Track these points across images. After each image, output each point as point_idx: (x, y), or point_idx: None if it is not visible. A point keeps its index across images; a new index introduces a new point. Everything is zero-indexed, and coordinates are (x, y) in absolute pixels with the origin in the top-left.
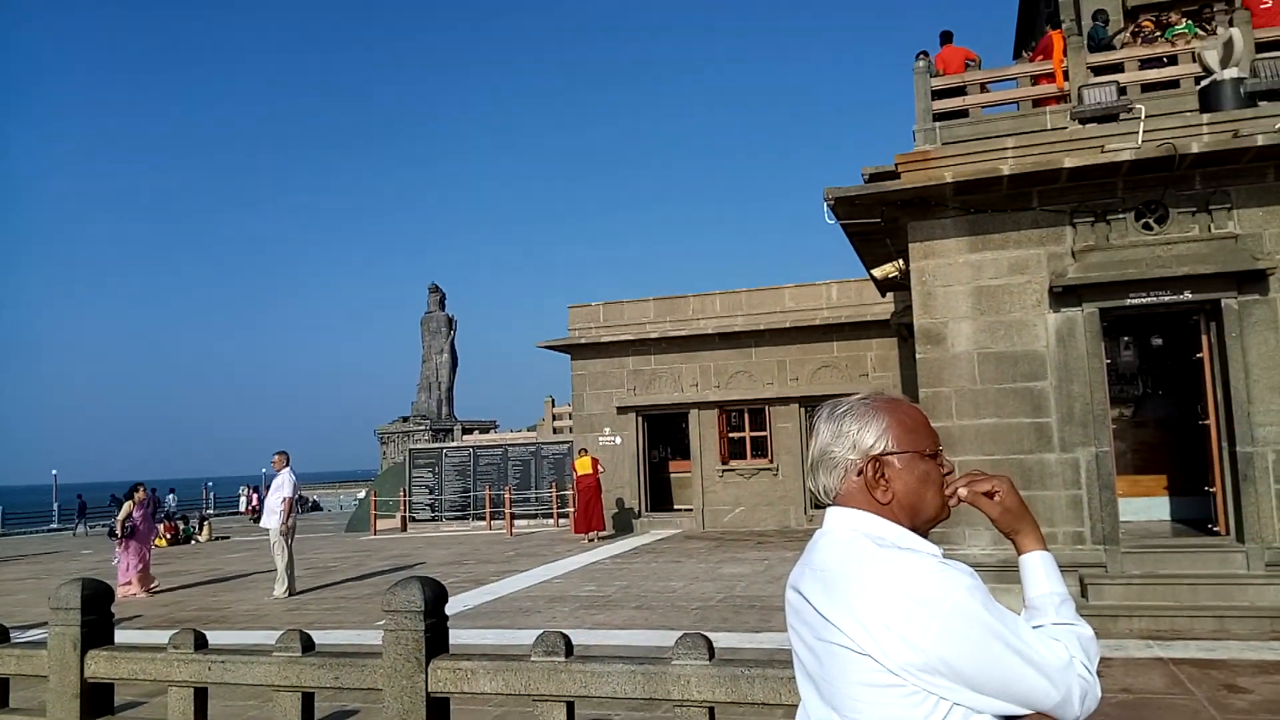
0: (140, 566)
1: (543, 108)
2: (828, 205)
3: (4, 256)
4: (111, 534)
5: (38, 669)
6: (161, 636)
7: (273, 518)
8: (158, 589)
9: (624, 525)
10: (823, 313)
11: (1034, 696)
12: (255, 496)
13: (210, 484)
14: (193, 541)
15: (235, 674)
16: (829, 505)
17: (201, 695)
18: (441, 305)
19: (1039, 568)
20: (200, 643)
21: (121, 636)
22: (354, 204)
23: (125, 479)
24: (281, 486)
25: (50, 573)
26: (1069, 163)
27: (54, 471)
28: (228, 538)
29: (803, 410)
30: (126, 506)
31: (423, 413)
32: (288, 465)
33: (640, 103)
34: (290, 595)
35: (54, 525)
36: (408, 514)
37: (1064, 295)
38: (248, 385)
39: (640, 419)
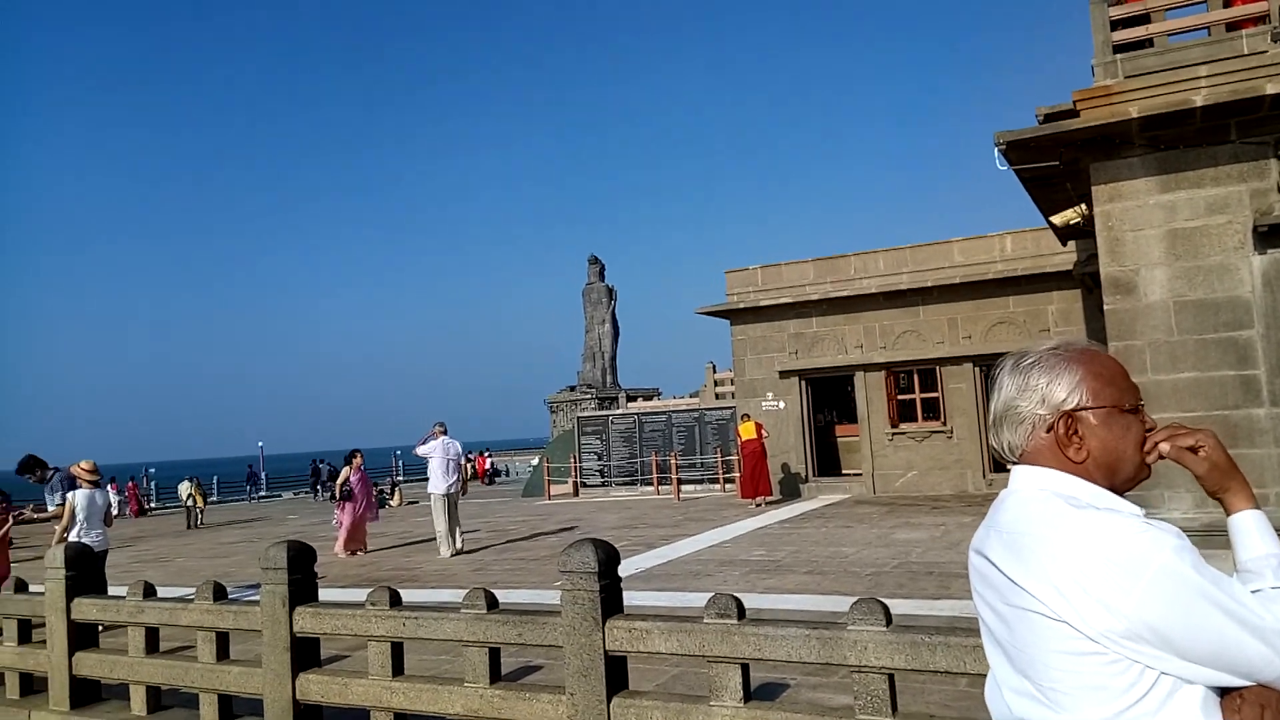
0: (354, 527)
1: (689, 77)
2: (999, 150)
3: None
4: (333, 498)
5: (252, 624)
6: (360, 594)
7: (438, 483)
8: (354, 552)
9: (791, 490)
10: (996, 266)
11: (1254, 665)
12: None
13: (398, 452)
14: (386, 506)
15: (427, 629)
16: (1014, 463)
17: (398, 649)
18: (601, 276)
19: (1252, 528)
20: (395, 600)
21: (324, 594)
22: (519, 173)
23: (321, 449)
24: (434, 454)
25: (260, 536)
26: (1271, 89)
27: (260, 443)
28: (416, 503)
29: (977, 370)
30: (345, 471)
31: (588, 382)
32: (445, 435)
33: (793, 66)
34: (453, 555)
35: (263, 493)
36: (579, 479)
37: (1270, 235)
38: (430, 358)
39: (803, 383)
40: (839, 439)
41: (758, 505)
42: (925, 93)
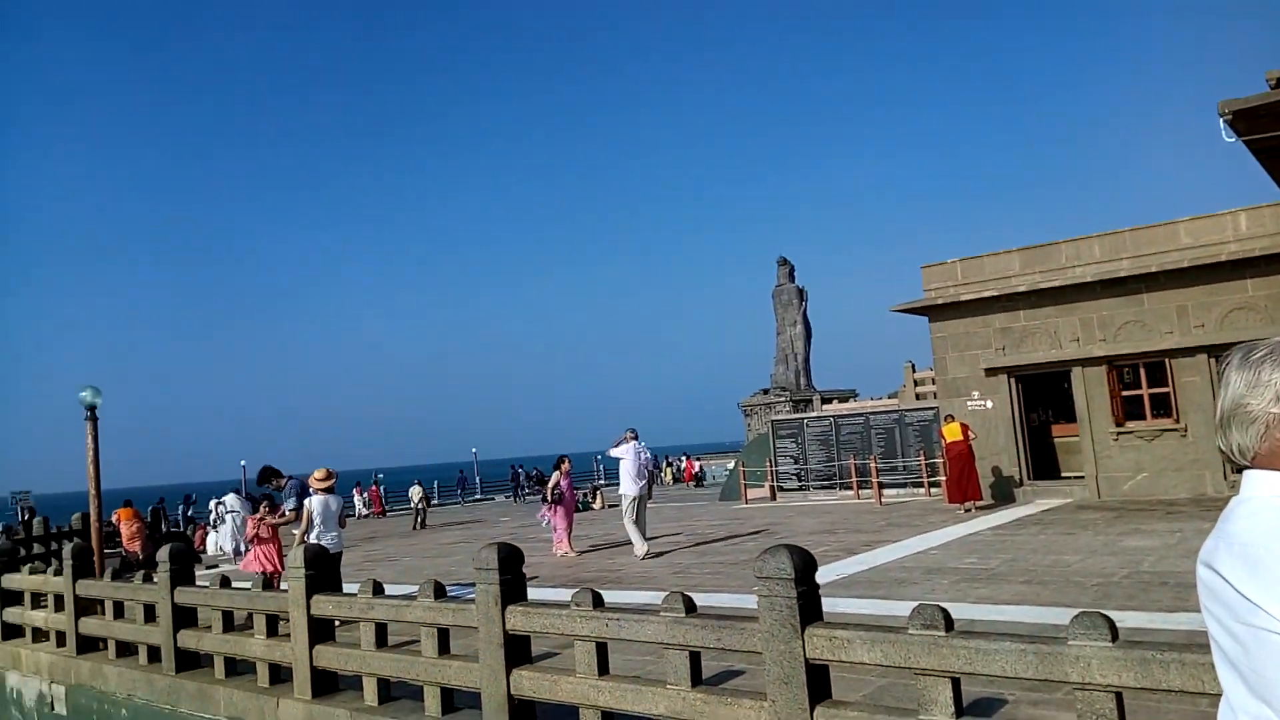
0: (567, 529)
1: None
2: (1224, 121)
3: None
4: (544, 500)
5: (469, 621)
6: (566, 595)
7: (629, 485)
8: (568, 553)
9: (1003, 494)
10: (1229, 246)
11: None
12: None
13: (599, 457)
14: (588, 509)
15: (628, 631)
16: (1246, 467)
17: (603, 649)
18: (791, 277)
19: None
20: (597, 601)
21: (534, 594)
22: (706, 175)
23: (525, 455)
24: (625, 456)
25: (475, 537)
26: None
27: (474, 449)
28: (617, 505)
29: (1212, 360)
30: (555, 475)
31: (781, 384)
32: (636, 440)
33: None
34: (642, 558)
35: (478, 496)
36: (775, 483)
37: None
38: (624, 365)
39: (1012, 380)
40: (1056, 439)
41: (966, 510)
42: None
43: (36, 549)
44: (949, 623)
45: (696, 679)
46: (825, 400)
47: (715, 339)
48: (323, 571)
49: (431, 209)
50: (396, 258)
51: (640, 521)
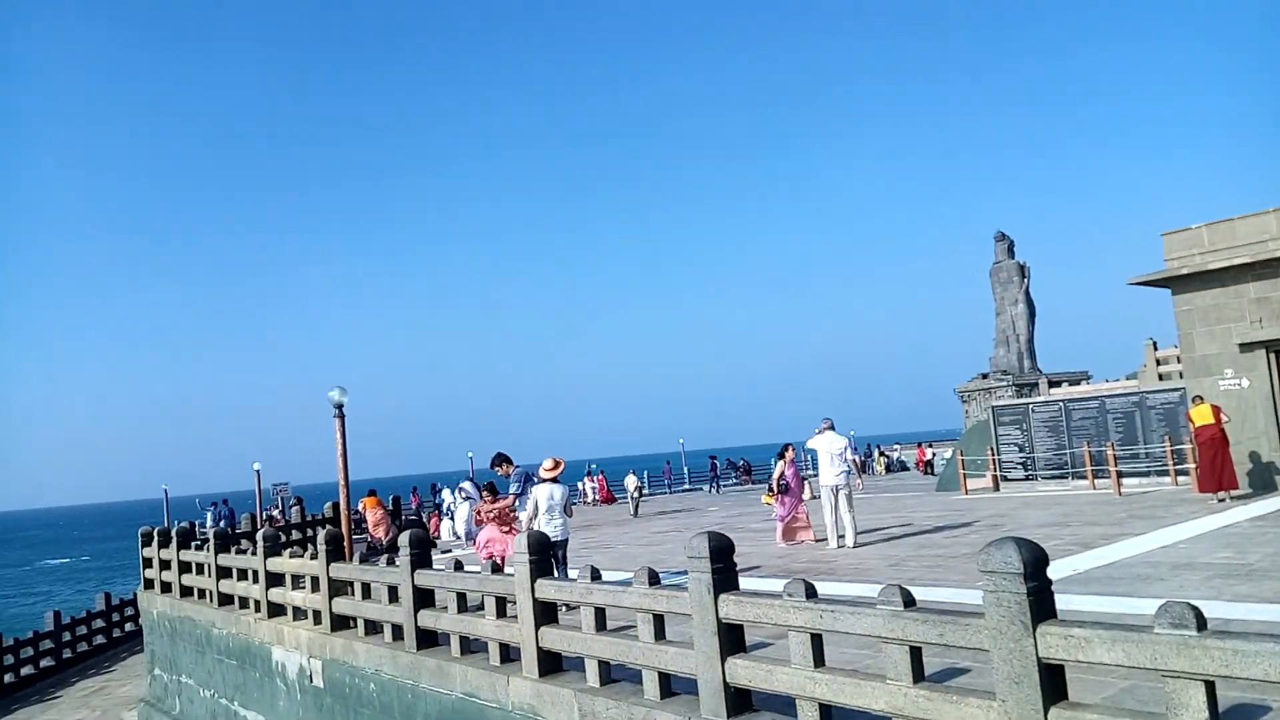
0: (790, 518)
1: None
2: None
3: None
4: (770, 490)
5: (683, 608)
6: (778, 585)
7: (830, 477)
8: (800, 542)
9: (1262, 483)
10: None
11: None
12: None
13: (803, 447)
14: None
15: (844, 623)
16: None
17: (818, 640)
18: (1010, 253)
19: None
20: (810, 592)
21: (747, 583)
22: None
23: (733, 445)
24: (820, 447)
25: (686, 526)
26: None
27: (681, 440)
28: (817, 497)
29: None
30: (779, 465)
31: (1003, 368)
32: (831, 429)
33: None
34: (838, 548)
35: (685, 486)
36: (998, 473)
37: None
38: (833, 351)
39: (1272, 356)
40: None
41: (1220, 500)
42: None
43: (294, 535)
44: (1201, 621)
45: (918, 675)
46: (1053, 384)
47: (928, 321)
48: (545, 558)
49: (646, 198)
50: (622, 252)
51: (839, 514)
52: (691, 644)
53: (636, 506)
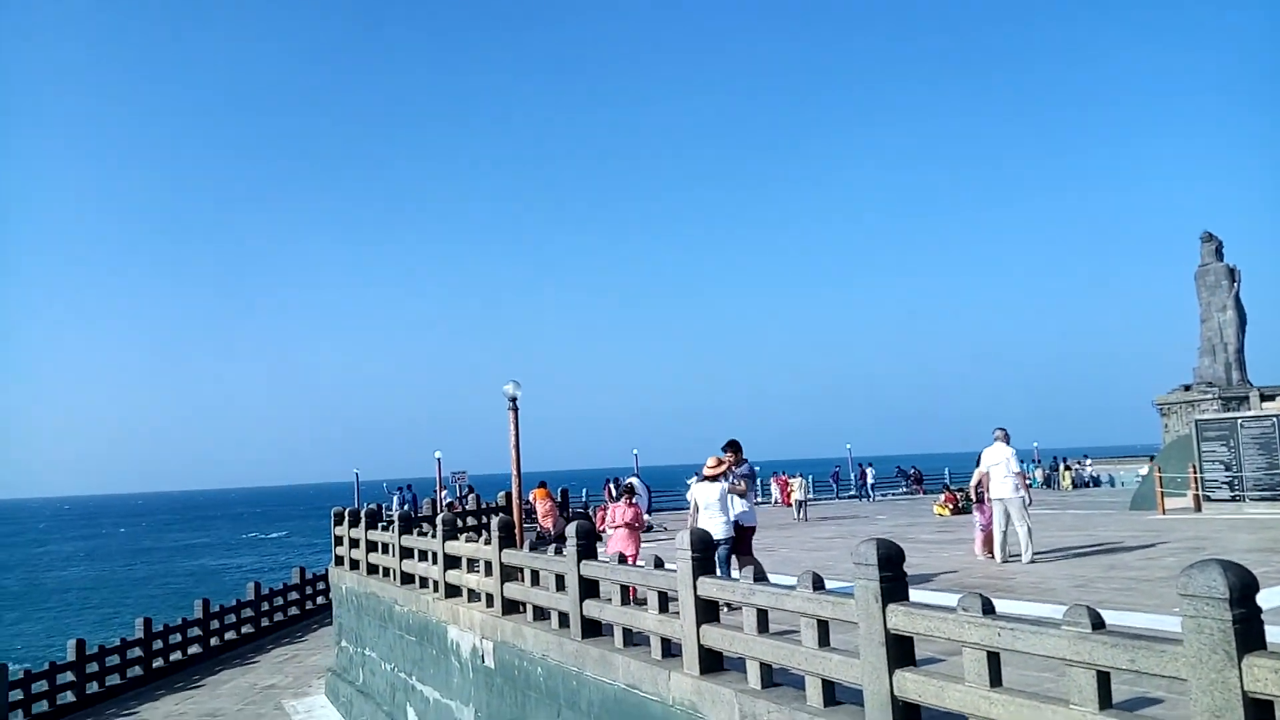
0: (988, 530)
1: None
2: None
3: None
4: (967, 499)
5: (848, 615)
6: (951, 599)
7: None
8: (991, 555)
9: None
10: None
11: None
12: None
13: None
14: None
15: (1024, 642)
16: None
17: (994, 659)
18: (1219, 255)
19: None
20: (988, 607)
21: (916, 595)
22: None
23: (905, 453)
24: (1008, 460)
25: (851, 533)
26: None
27: (848, 445)
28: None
29: None
30: (977, 473)
31: (1208, 379)
32: (1004, 441)
33: None
34: (1002, 562)
35: (851, 492)
36: (1200, 492)
37: None
38: (1025, 358)
39: None
40: None
41: None
42: None
43: (470, 521)
44: None
45: (1105, 702)
46: (1265, 397)
47: (1122, 328)
48: (706, 555)
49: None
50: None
51: (1009, 530)
52: (857, 653)
53: (802, 511)
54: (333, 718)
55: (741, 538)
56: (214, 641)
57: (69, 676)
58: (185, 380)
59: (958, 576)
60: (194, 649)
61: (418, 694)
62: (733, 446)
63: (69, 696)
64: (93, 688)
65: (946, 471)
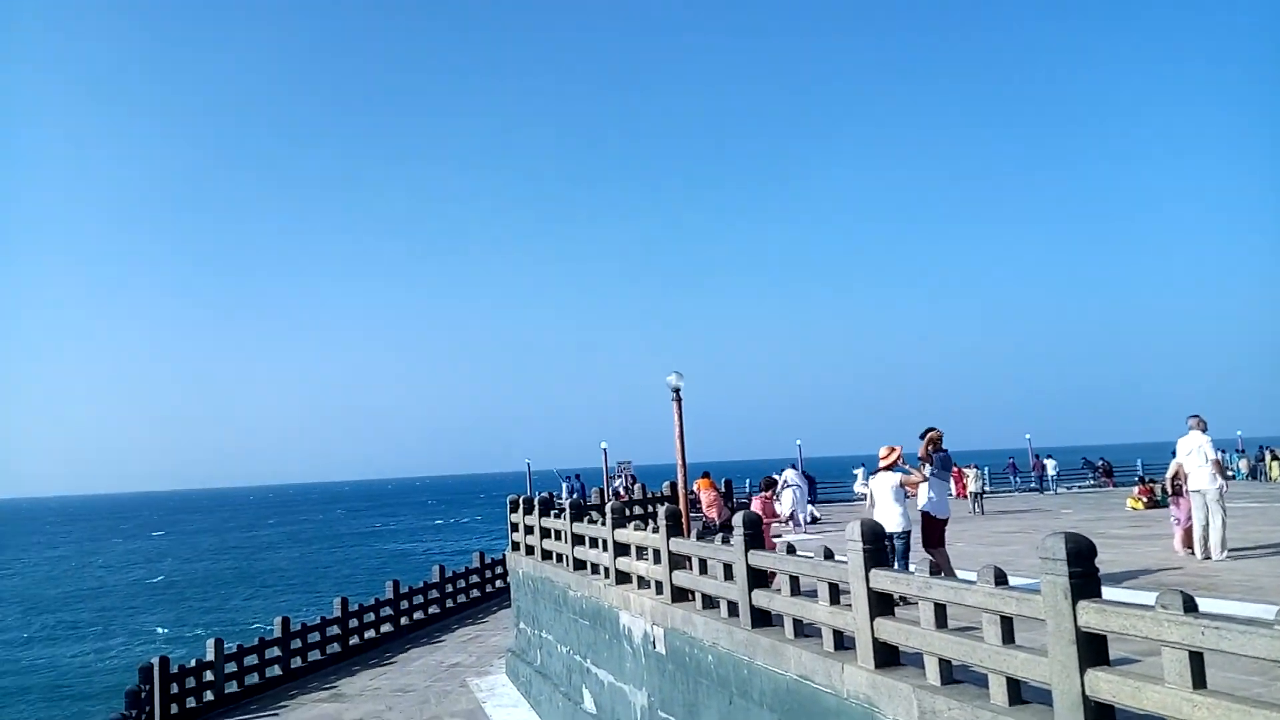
0: (1188, 525)
1: None
2: None
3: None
4: (1163, 491)
5: (1034, 612)
6: (1147, 597)
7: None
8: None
9: None
10: None
11: None
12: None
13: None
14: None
15: (1231, 643)
16: None
17: (1197, 659)
18: None
19: None
20: (1189, 605)
21: (1109, 593)
22: None
23: (1089, 444)
24: (1202, 448)
25: (1033, 528)
26: None
27: (1027, 435)
28: None
29: None
30: (1174, 464)
31: None
32: (1199, 429)
33: None
34: (1203, 560)
35: (1031, 485)
36: None
37: None
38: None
39: None
40: None
41: None
42: None
43: (636, 510)
44: None
45: None
46: None
47: None
48: (880, 547)
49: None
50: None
51: (1211, 520)
52: (1044, 651)
53: (978, 503)
54: (513, 696)
55: (932, 529)
56: (404, 621)
57: (276, 651)
58: (365, 375)
59: (1154, 574)
60: (386, 628)
61: (593, 676)
62: (928, 433)
63: (276, 670)
64: (296, 663)
65: (1139, 463)
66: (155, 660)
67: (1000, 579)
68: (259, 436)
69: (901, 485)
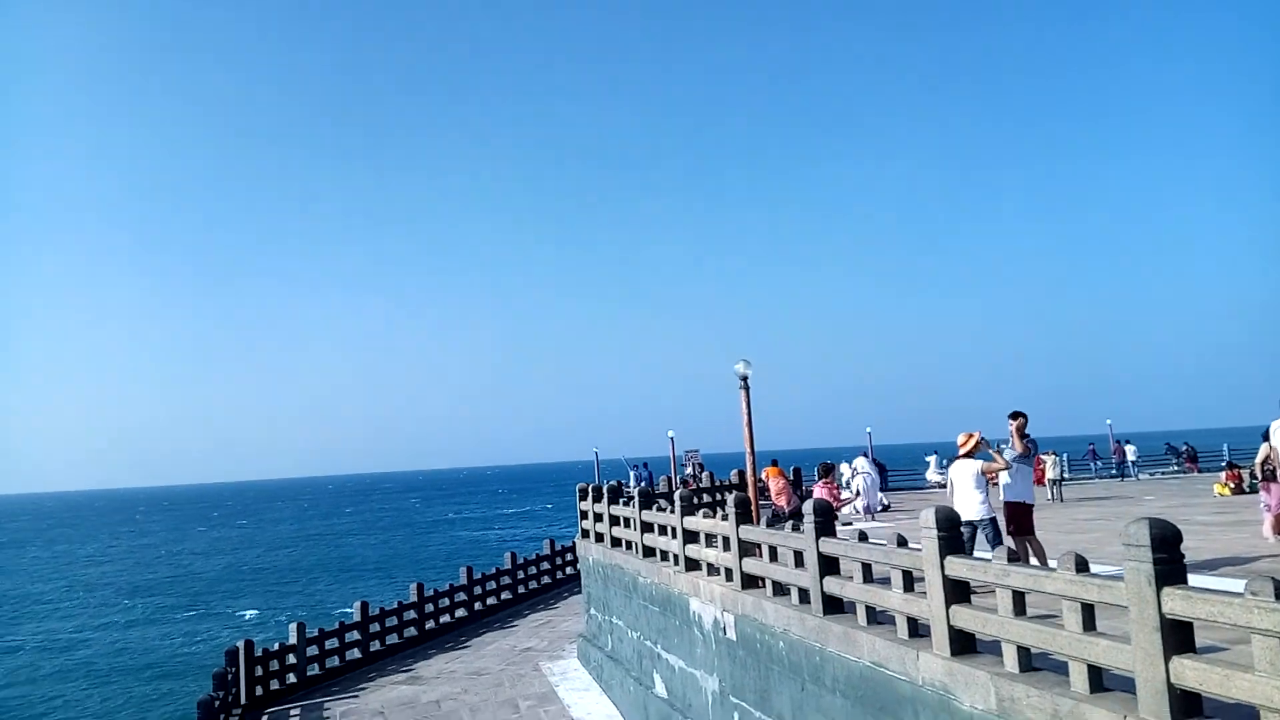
0: (1279, 511)
1: None
2: None
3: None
4: (1251, 477)
5: (1116, 599)
6: (1236, 584)
7: None
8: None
9: None
10: None
11: None
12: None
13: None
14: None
15: None
16: None
17: None
18: None
19: None
20: None
21: (1195, 580)
22: None
23: (1179, 429)
24: None
25: (1115, 515)
26: None
27: (1108, 421)
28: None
29: None
30: (1263, 449)
31: None
32: None
33: None
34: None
35: (1113, 471)
36: None
37: None
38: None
39: None
40: None
41: None
42: None
43: (704, 498)
44: None
45: None
46: None
47: None
48: (955, 534)
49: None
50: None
51: None
52: (1126, 638)
53: (1057, 490)
54: (585, 680)
55: (1017, 516)
56: (477, 606)
57: (355, 635)
58: (437, 367)
59: (1243, 561)
60: (460, 613)
61: (663, 662)
62: (1014, 416)
63: (355, 653)
64: (375, 646)
65: (1225, 447)
66: (241, 644)
67: (1081, 565)
68: (340, 428)
69: (983, 472)
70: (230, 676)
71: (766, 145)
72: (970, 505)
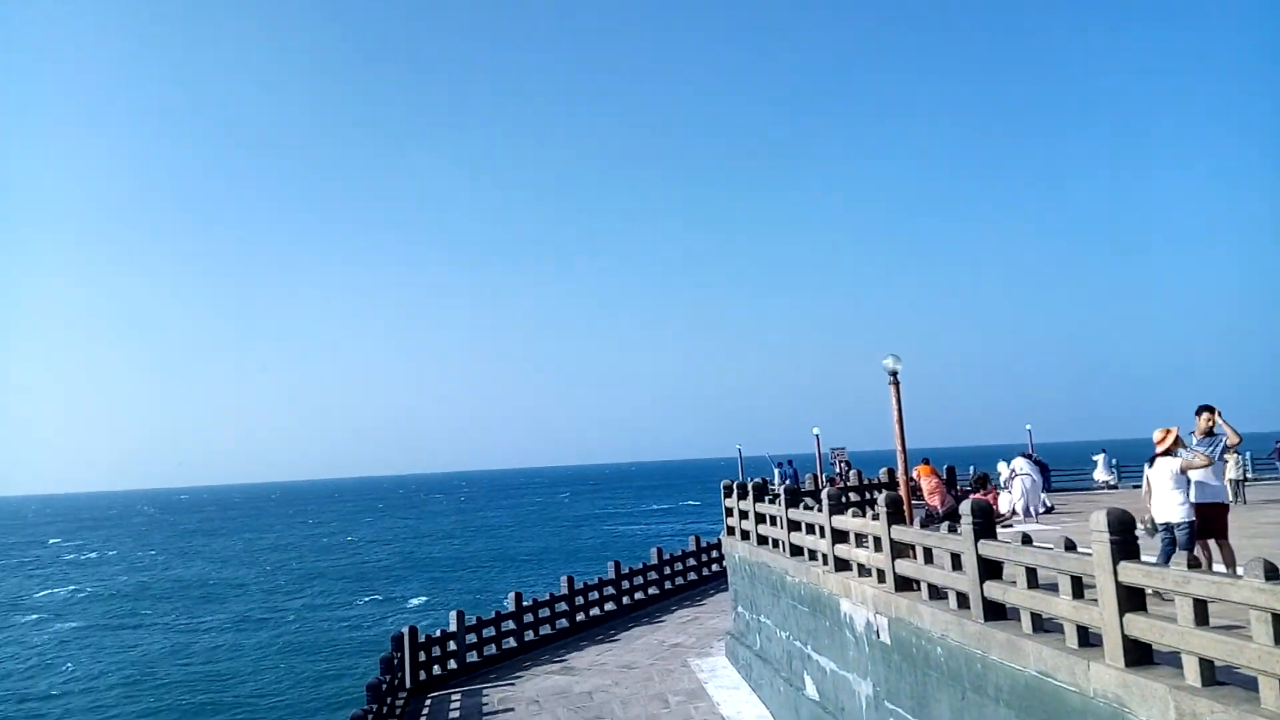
0: None
1: None
2: None
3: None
4: None
5: None
6: None
7: None
8: None
9: None
10: None
11: None
12: None
13: None
14: None
15: None
16: None
17: None
18: None
19: None
20: None
21: None
22: None
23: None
24: None
25: None
26: None
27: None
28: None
29: None
30: None
31: None
32: None
33: None
34: None
35: None
36: None
37: None
38: None
39: None
40: None
41: None
42: None
43: (853, 497)
44: None
45: None
46: None
47: None
48: (1129, 538)
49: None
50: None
51: None
52: None
53: (1240, 491)
54: (734, 678)
55: (1211, 517)
56: (625, 600)
57: (510, 625)
58: (587, 365)
59: None
60: (609, 606)
61: (814, 663)
62: (1206, 410)
63: (511, 642)
64: (529, 636)
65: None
66: (405, 630)
67: (1271, 573)
68: (491, 426)
69: (1183, 471)
70: (396, 661)
71: (946, 147)
72: (1170, 507)
